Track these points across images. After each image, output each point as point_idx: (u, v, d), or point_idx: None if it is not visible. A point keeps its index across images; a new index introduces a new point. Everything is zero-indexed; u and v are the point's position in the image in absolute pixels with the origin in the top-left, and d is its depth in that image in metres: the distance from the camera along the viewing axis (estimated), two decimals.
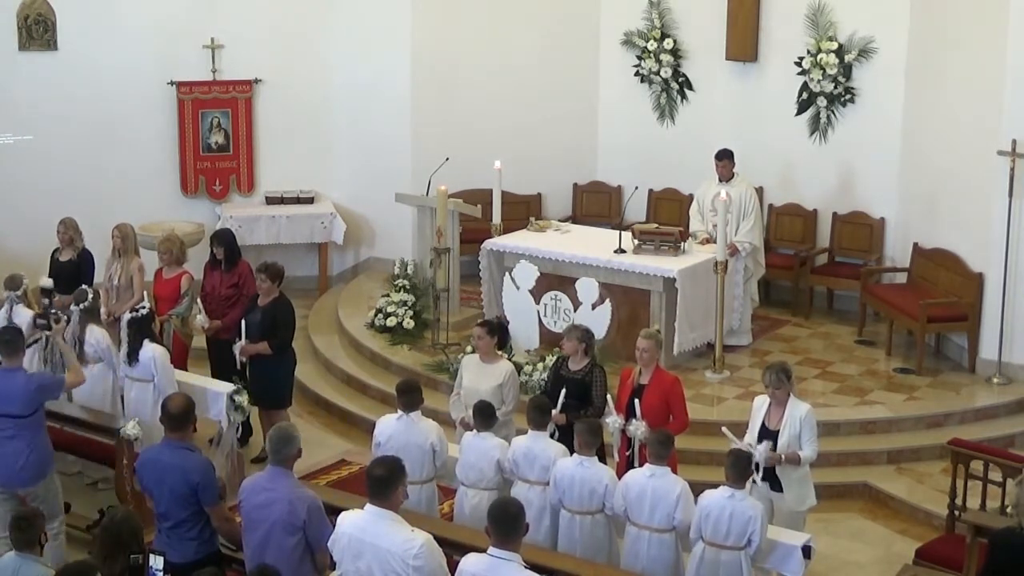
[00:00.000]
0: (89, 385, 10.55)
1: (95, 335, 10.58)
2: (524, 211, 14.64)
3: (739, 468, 8.16)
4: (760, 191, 13.98)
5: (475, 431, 9.06)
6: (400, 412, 9.08)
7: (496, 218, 13.02)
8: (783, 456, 8.80)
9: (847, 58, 13.90)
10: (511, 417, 9.70)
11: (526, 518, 6.80)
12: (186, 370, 11.26)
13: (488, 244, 12.92)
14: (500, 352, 10.10)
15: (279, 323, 10.85)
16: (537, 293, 12.49)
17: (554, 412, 9.27)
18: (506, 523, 6.69)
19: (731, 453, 8.33)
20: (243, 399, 10.47)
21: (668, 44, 14.84)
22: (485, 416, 9.01)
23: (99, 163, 14.74)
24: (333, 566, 7.17)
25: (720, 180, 12.89)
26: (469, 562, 6.79)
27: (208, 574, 6.89)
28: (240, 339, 10.79)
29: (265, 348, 10.79)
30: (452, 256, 12.99)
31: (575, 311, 12.21)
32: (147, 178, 14.94)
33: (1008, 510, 8.46)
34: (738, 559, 8.07)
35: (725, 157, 12.93)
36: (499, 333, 9.98)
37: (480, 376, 9.76)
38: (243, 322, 10.81)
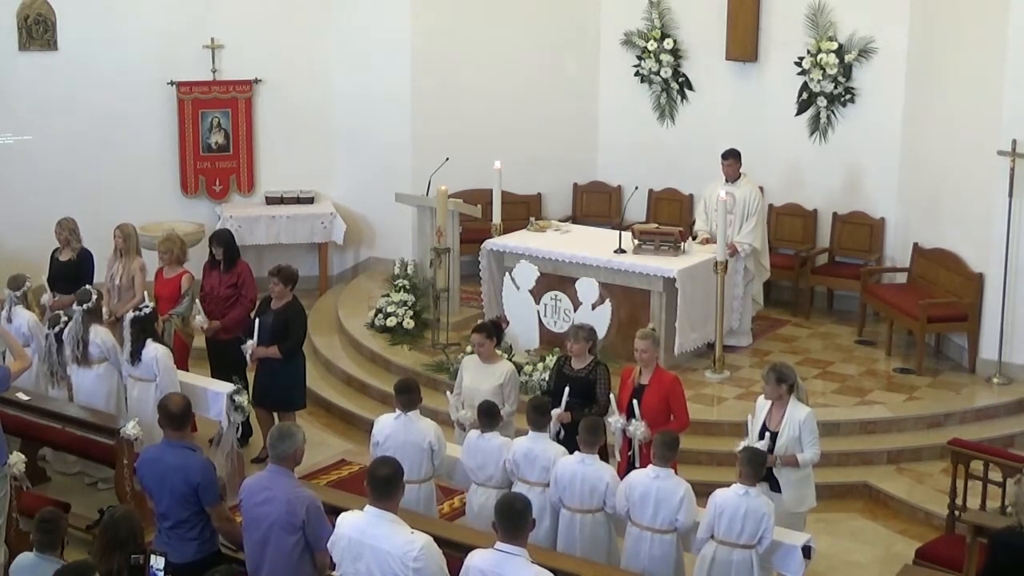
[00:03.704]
0: (94, 385, 10.58)
1: (100, 335, 10.58)
2: (524, 211, 14.64)
3: (754, 465, 8.16)
4: (760, 191, 13.96)
5: (479, 432, 9.08)
6: (398, 411, 9.09)
7: (496, 218, 13.01)
8: (779, 458, 8.80)
9: (847, 58, 13.90)
10: (512, 417, 9.70)
11: (532, 513, 6.83)
12: (187, 370, 11.26)
13: (488, 244, 12.92)
14: (499, 352, 10.13)
15: (291, 327, 10.86)
16: (537, 293, 12.48)
17: (559, 411, 9.31)
18: (512, 518, 6.72)
19: (746, 450, 8.34)
20: (243, 399, 10.47)
21: (668, 44, 14.84)
22: (490, 416, 9.02)
23: (99, 163, 14.74)
24: (333, 566, 7.17)
25: (726, 180, 12.85)
26: (476, 557, 6.82)
27: (223, 572, 6.87)
28: (252, 339, 10.80)
29: (275, 352, 10.81)
30: (452, 256, 12.99)
31: (575, 311, 12.20)
32: (147, 178, 14.94)
33: (1008, 510, 8.47)
34: (749, 559, 8.07)
35: (731, 156, 12.89)
36: (496, 334, 10.04)
37: (480, 376, 9.78)
38: (257, 322, 10.82)
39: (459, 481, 9.45)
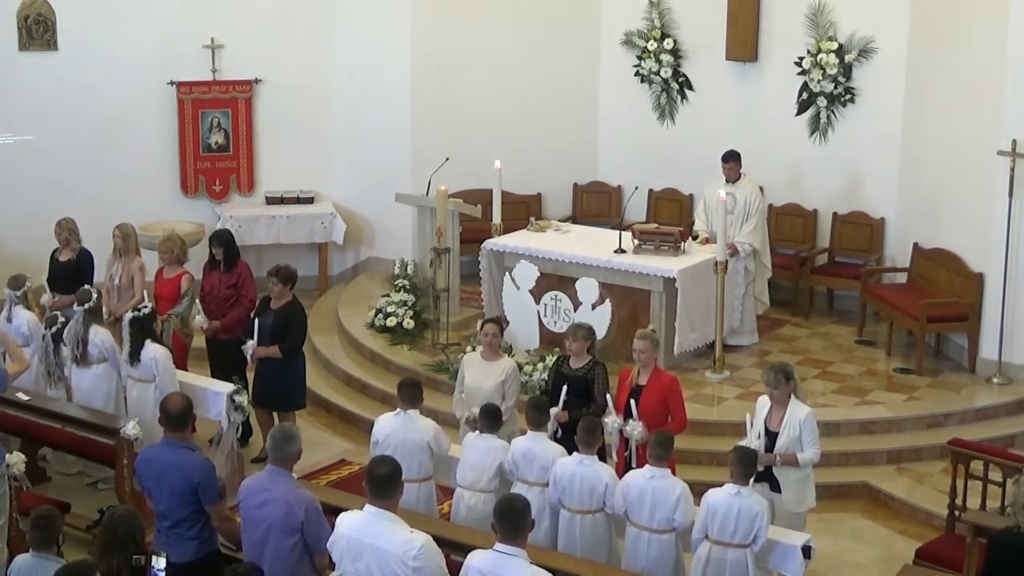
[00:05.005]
0: (93, 385, 10.58)
1: (99, 335, 10.57)
2: (524, 211, 14.64)
3: (744, 465, 8.16)
4: (760, 191, 13.96)
5: (479, 432, 9.09)
6: (398, 409, 9.10)
7: (496, 218, 13.02)
8: (779, 457, 8.80)
9: (847, 58, 13.90)
10: (512, 414, 9.71)
11: (532, 514, 6.83)
12: (186, 370, 11.27)
13: (488, 244, 12.92)
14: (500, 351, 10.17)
15: (291, 326, 10.87)
16: (537, 293, 12.49)
17: (557, 410, 9.31)
18: (512, 519, 6.71)
19: (736, 449, 8.34)
20: (243, 399, 10.48)
21: (668, 44, 14.84)
22: (492, 419, 9.04)
23: (99, 163, 14.74)
24: (333, 566, 7.17)
25: (727, 182, 12.83)
26: (475, 558, 6.81)
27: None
28: (252, 340, 10.79)
29: (276, 352, 10.81)
30: (452, 256, 12.99)
31: (575, 311, 12.21)
32: (147, 178, 14.94)
33: (1007, 510, 8.47)
34: (744, 558, 8.08)
35: (731, 159, 12.87)
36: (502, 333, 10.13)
37: (483, 374, 9.80)
38: (256, 323, 10.82)
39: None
